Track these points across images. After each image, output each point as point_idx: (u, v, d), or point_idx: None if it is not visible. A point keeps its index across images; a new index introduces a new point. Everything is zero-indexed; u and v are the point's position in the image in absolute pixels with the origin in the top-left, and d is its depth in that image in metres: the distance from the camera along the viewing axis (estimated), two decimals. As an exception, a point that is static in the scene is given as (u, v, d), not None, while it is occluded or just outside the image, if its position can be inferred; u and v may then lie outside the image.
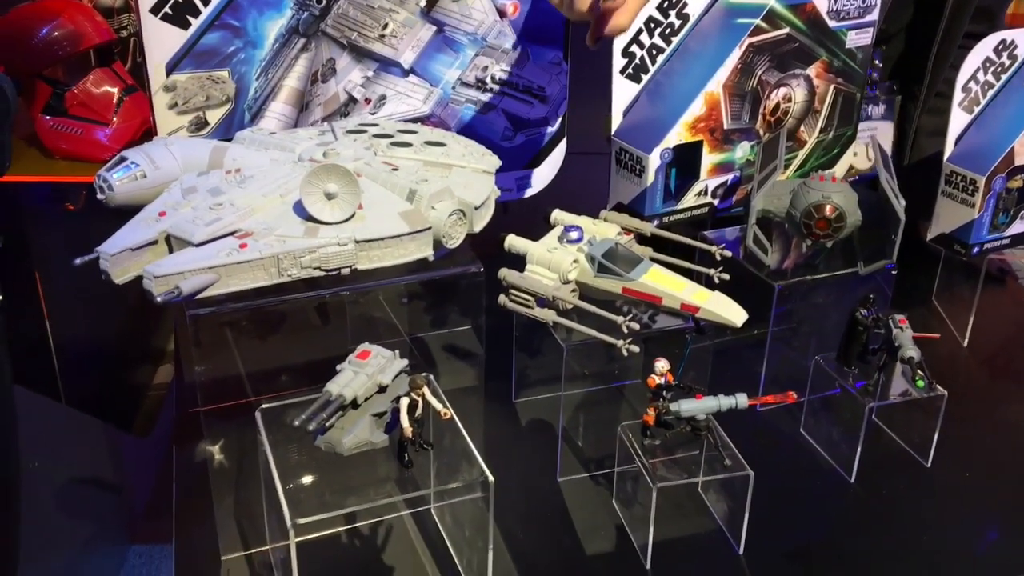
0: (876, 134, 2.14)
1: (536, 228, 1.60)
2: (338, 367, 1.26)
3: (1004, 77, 1.77)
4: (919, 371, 1.45)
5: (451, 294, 1.72)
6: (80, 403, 2.24)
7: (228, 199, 1.29)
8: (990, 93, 1.78)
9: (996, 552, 1.46)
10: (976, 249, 1.79)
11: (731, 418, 1.40)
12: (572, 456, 1.61)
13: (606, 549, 1.45)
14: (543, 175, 1.90)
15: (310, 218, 1.26)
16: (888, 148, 2.15)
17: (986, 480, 1.59)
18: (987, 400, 1.78)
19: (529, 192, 1.90)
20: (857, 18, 1.87)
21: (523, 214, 1.99)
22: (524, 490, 1.56)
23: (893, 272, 1.65)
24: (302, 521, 1.17)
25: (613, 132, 1.81)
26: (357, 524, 1.43)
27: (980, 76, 1.76)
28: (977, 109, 1.78)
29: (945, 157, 1.77)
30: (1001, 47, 1.75)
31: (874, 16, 1.88)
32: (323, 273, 1.25)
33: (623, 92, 1.79)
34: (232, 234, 1.25)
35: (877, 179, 1.66)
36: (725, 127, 1.84)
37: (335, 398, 1.20)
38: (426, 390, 1.23)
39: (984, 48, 1.74)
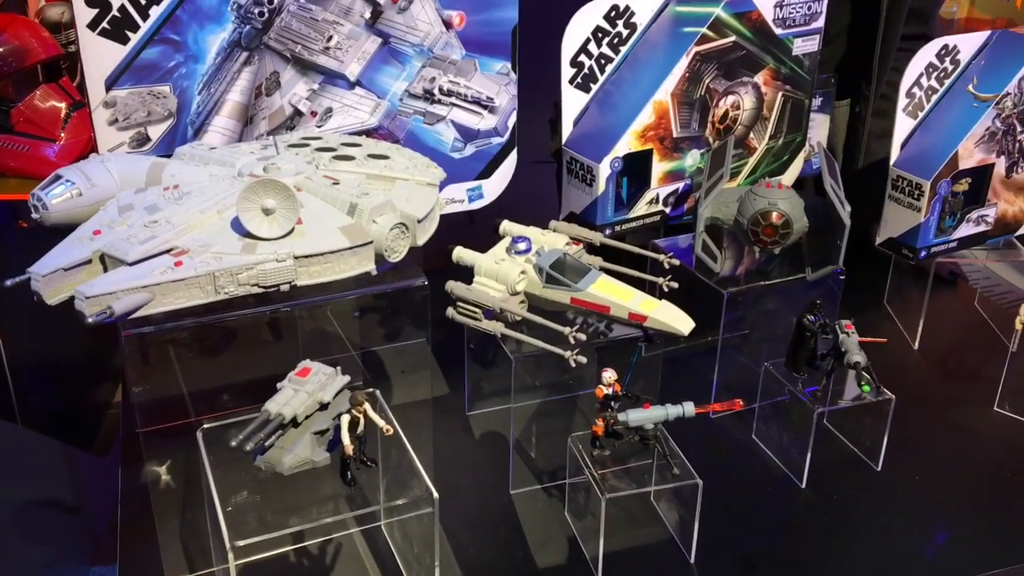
0: (813, 125, 2.16)
1: (488, 239, 1.59)
2: (278, 385, 1.24)
3: (947, 82, 1.79)
4: (865, 376, 1.46)
5: (400, 308, 1.71)
6: (37, 423, 2.19)
7: (164, 216, 1.27)
8: (934, 98, 1.79)
9: (945, 555, 1.46)
10: (923, 253, 1.81)
11: (684, 426, 1.39)
12: (525, 468, 1.60)
13: (558, 561, 1.44)
14: (494, 186, 1.89)
15: (248, 234, 1.24)
16: (823, 140, 2.17)
17: (936, 483, 1.60)
18: (937, 403, 1.80)
19: (480, 203, 1.89)
20: (803, 25, 1.88)
21: (475, 225, 1.98)
22: (476, 503, 1.55)
23: (841, 277, 1.66)
24: (241, 543, 1.15)
25: (564, 142, 1.81)
26: (305, 543, 1.41)
27: (924, 81, 1.77)
28: (921, 114, 1.79)
29: (891, 162, 1.79)
30: (944, 52, 1.77)
31: (819, 24, 1.90)
32: (261, 290, 1.23)
33: (572, 102, 1.79)
34: (168, 252, 1.23)
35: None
36: (675, 135, 1.85)
37: (274, 417, 1.18)
38: (368, 406, 1.22)
39: (927, 53, 1.76)
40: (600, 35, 1.76)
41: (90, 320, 1.15)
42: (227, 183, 1.36)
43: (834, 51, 2.11)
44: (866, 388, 1.46)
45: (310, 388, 1.22)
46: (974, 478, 1.61)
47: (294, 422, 1.20)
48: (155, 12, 1.54)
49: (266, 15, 1.61)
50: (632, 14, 1.76)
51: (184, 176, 1.39)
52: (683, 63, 1.79)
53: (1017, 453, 1.66)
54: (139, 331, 1.25)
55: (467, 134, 1.81)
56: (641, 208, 1.87)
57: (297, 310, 1.60)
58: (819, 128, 2.20)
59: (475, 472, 1.62)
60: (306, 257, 1.24)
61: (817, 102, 2.14)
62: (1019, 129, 1.83)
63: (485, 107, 1.80)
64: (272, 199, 1.23)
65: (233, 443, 1.15)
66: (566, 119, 1.80)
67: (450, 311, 1.49)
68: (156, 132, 1.61)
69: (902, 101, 1.77)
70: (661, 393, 1.52)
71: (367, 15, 1.66)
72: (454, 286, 1.47)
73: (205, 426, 1.32)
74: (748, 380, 1.68)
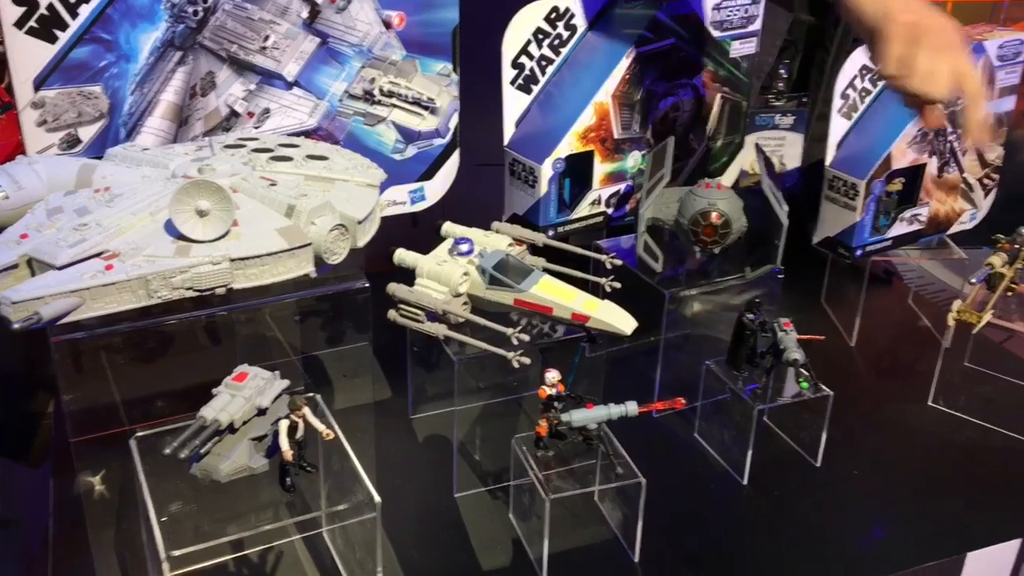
0: (783, 144, 2.19)
1: (434, 241, 1.58)
2: (214, 391, 1.22)
3: (880, 84, 1.83)
4: (803, 373, 1.48)
5: (341, 311, 1.69)
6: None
7: (95, 219, 1.24)
8: (868, 99, 1.83)
9: (883, 548, 1.49)
10: (859, 251, 1.84)
11: (628, 425, 1.40)
12: (469, 471, 1.59)
13: (502, 564, 1.43)
14: (436, 188, 1.88)
15: (181, 237, 1.22)
16: (795, 162, 2.20)
17: (873, 477, 1.62)
18: (874, 399, 1.83)
19: (423, 205, 1.88)
20: (740, 28, 1.91)
21: (419, 227, 1.97)
22: (420, 508, 1.54)
23: (779, 276, 1.69)
24: (177, 553, 1.12)
25: (505, 143, 1.81)
26: (246, 552, 1.39)
27: (857, 83, 1.81)
28: (856, 115, 1.83)
29: (827, 162, 1.82)
30: (876, 55, 1.80)
31: (756, 26, 1.93)
32: (196, 294, 1.21)
33: (514, 103, 1.79)
34: (98, 255, 1.20)
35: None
36: (616, 137, 1.86)
37: (209, 423, 1.16)
38: (307, 411, 1.20)
39: (860, 56, 1.79)
40: (541, 36, 1.76)
41: (16, 326, 1.12)
42: (160, 185, 1.33)
43: (795, 63, 2.15)
44: (804, 385, 1.48)
45: (247, 393, 1.19)
46: (910, 472, 1.65)
47: (231, 428, 1.18)
48: (84, 10, 1.50)
49: (200, 14, 1.58)
50: (572, 16, 1.77)
51: (115, 178, 1.36)
52: (623, 65, 1.81)
53: (951, 447, 1.70)
54: (69, 337, 1.21)
55: (408, 135, 1.80)
56: (584, 209, 1.88)
57: (235, 314, 1.58)
58: (791, 146, 2.21)
59: (419, 476, 1.60)
60: (242, 260, 1.22)
61: (789, 120, 2.16)
62: (950, 130, 1.87)
63: (426, 108, 1.79)
64: (206, 200, 1.21)
65: (167, 451, 1.12)
66: (507, 120, 1.79)
67: (391, 313, 1.48)
68: (87, 134, 1.57)
69: (837, 103, 1.80)
70: (605, 393, 1.53)
71: (304, 15, 1.64)
72: (395, 288, 1.46)
73: (139, 434, 1.28)
74: (691, 379, 1.69)
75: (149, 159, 1.41)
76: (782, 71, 2.17)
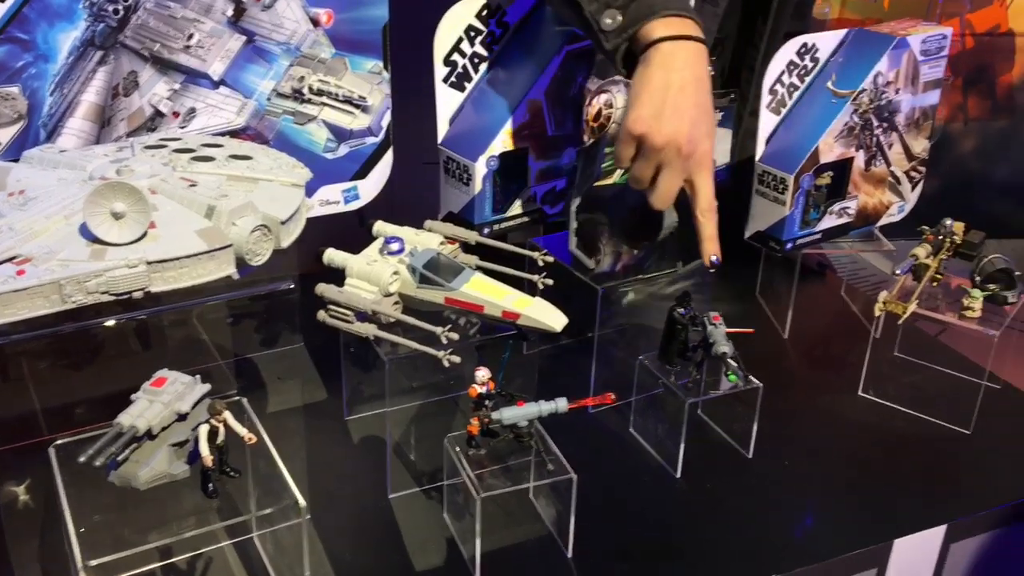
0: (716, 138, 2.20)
1: (365, 241, 1.57)
2: (132, 396, 1.19)
3: (808, 79, 1.85)
4: (732, 365, 1.49)
5: (272, 312, 1.67)
6: None
7: (7, 223, 1.21)
8: (795, 95, 1.85)
9: (814, 536, 1.51)
10: (789, 245, 1.87)
11: (564, 422, 1.40)
12: (404, 471, 1.58)
13: (435, 563, 1.43)
14: (370, 187, 1.87)
15: (96, 240, 1.19)
16: (724, 157, 2.22)
17: (804, 467, 1.65)
18: (805, 389, 1.86)
19: (356, 204, 1.86)
20: (672, 25, 1.92)
21: (353, 226, 1.95)
22: (353, 509, 1.53)
23: (711, 271, 1.70)
24: (94, 562, 1.10)
25: (440, 141, 1.80)
26: (174, 559, 1.36)
27: (785, 78, 1.83)
28: (784, 110, 1.85)
29: (757, 157, 1.84)
30: (804, 50, 1.83)
31: (688, 22, 1.93)
32: (112, 298, 1.18)
33: (447, 101, 1.78)
34: (10, 260, 1.17)
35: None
36: (549, 134, 1.86)
37: (127, 430, 1.13)
38: (227, 415, 1.18)
39: (788, 51, 1.81)
40: (473, 34, 1.75)
41: (-80, 335, 1.09)
42: (76, 187, 1.30)
43: (726, 60, 2.17)
44: (732, 377, 1.50)
45: (166, 399, 1.17)
46: (840, 461, 1.67)
47: (149, 434, 1.15)
48: (0, 9, 1.46)
49: (121, 12, 1.55)
50: (504, 13, 1.76)
51: (30, 181, 1.33)
52: (556, 62, 1.81)
53: (880, 435, 1.73)
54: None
55: (340, 134, 1.79)
56: (518, 207, 1.88)
57: (163, 317, 1.55)
58: (722, 142, 2.22)
59: (353, 477, 1.59)
60: (160, 262, 1.20)
61: (718, 116, 2.17)
62: (876, 124, 1.91)
63: (358, 106, 1.78)
64: (122, 202, 1.19)
65: (82, 458, 1.10)
66: (441, 118, 1.79)
67: (321, 314, 1.46)
68: (5, 135, 1.53)
69: (765, 98, 1.82)
70: (541, 390, 1.52)
71: (229, 13, 1.62)
72: (324, 289, 1.45)
73: (58, 442, 1.26)
74: (626, 374, 1.70)
75: (67, 161, 1.38)
76: (711, 70, 2.18)
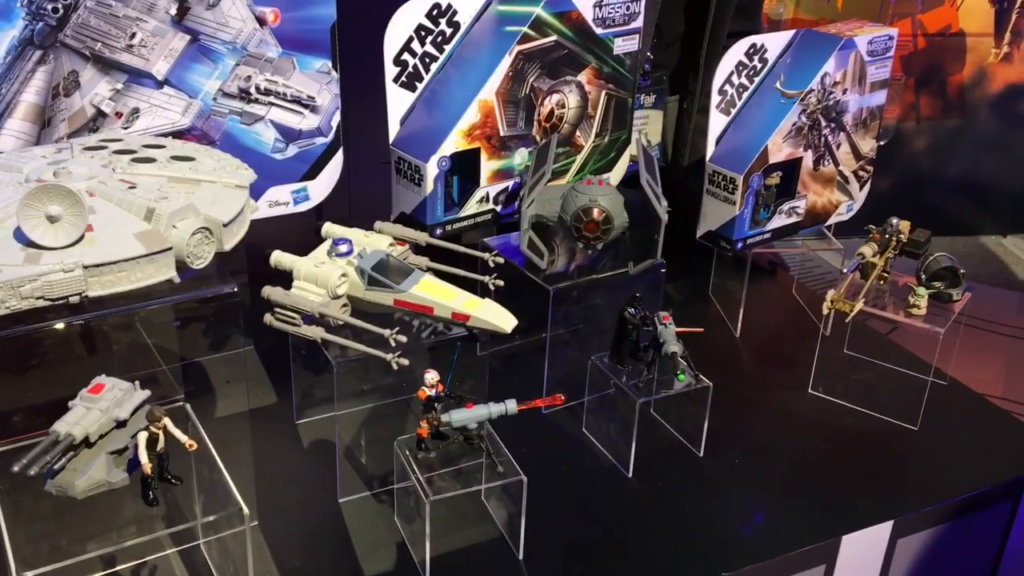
0: (647, 122, 2.23)
1: (316, 243, 1.55)
2: (70, 403, 1.17)
3: (756, 80, 1.87)
4: (681, 363, 1.50)
5: (217, 316, 1.65)
6: None
7: (-62, 227, 1.18)
8: (744, 95, 1.86)
9: (762, 533, 1.52)
10: (739, 244, 1.88)
11: (517, 423, 1.40)
12: (354, 475, 1.57)
13: (386, 568, 1.42)
14: (320, 188, 1.85)
15: (31, 244, 1.16)
16: (658, 136, 2.24)
17: (755, 464, 1.66)
18: (756, 387, 1.87)
19: (307, 205, 1.84)
20: (622, 25, 1.92)
21: (303, 228, 1.93)
22: (302, 514, 1.51)
23: (662, 270, 1.71)
24: (30, 573, 1.08)
25: (391, 141, 1.79)
26: (117, 568, 1.34)
27: (734, 79, 1.84)
28: (734, 111, 1.86)
29: (707, 157, 1.85)
30: (752, 51, 1.84)
31: (639, 24, 1.94)
32: (48, 303, 1.16)
33: (398, 101, 1.77)
34: (-60, 265, 1.14)
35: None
36: (502, 134, 1.85)
37: (63, 437, 1.11)
38: (167, 421, 1.16)
39: (736, 52, 1.82)
40: (423, 33, 1.74)
41: None
42: (12, 190, 1.27)
43: (671, 55, 2.18)
44: (681, 376, 1.50)
45: (103, 405, 1.15)
46: (789, 458, 1.69)
47: (86, 442, 1.13)
48: (-68, 7, 1.43)
49: (60, 11, 1.51)
50: (455, 12, 1.75)
51: (-36, 183, 1.29)
52: (506, 62, 1.80)
53: (830, 432, 1.75)
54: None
55: (288, 134, 1.76)
56: (472, 207, 1.87)
57: (107, 323, 1.52)
58: (653, 123, 2.28)
59: (302, 482, 1.58)
60: (97, 266, 1.17)
61: (651, 99, 2.21)
62: (823, 124, 1.93)
63: (306, 106, 1.76)
64: (57, 205, 1.16)
65: (16, 468, 1.07)
66: (392, 118, 1.77)
67: (268, 317, 1.45)
68: (-60, 137, 1.50)
69: (715, 98, 1.83)
70: (494, 391, 1.52)
71: (173, 11, 1.59)
72: (271, 291, 1.43)
73: (-8, 451, 1.23)
74: (579, 374, 1.70)
75: (3, 163, 1.35)
76: (649, 54, 2.21)
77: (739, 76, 1.84)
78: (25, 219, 1.15)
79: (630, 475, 1.60)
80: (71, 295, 1.16)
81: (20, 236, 1.17)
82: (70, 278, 1.15)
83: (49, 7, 1.50)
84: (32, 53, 1.52)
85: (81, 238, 1.18)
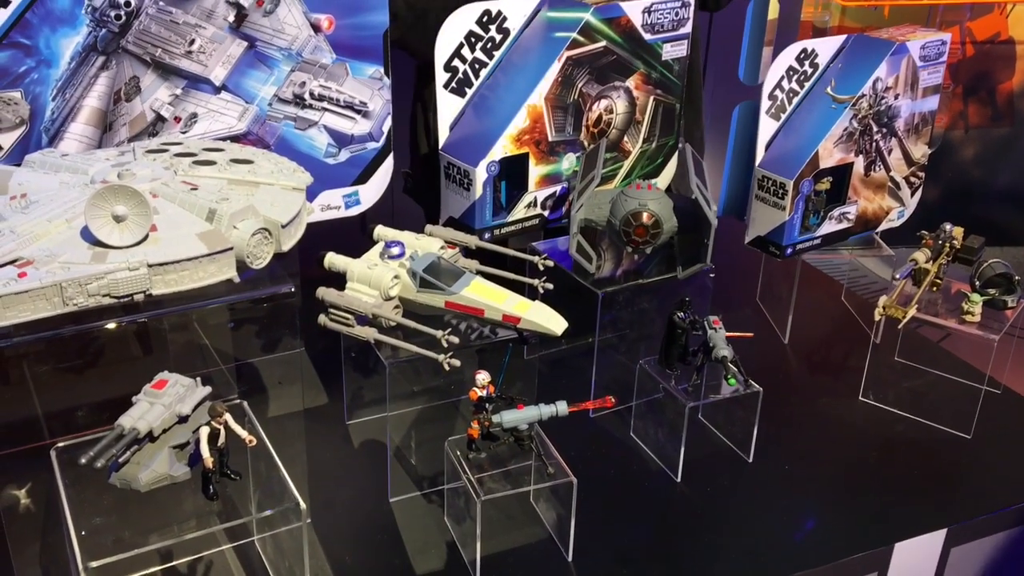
0: None
1: (367, 245, 1.57)
2: (133, 399, 1.20)
3: (807, 84, 1.86)
4: (732, 369, 1.50)
5: (273, 316, 1.67)
6: None
7: (9, 226, 1.21)
8: (795, 100, 1.86)
9: (814, 540, 1.51)
10: (789, 250, 1.87)
11: (565, 425, 1.40)
12: (404, 475, 1.59)
13: (436, 567, 1.43)
14: (371, 192, 1.87)
15: (98, 243, 1.20)
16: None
17: (804, 471, 1.65)
18: (805, 394, 1.86)
19: (358, 209, 1.87)
20: (671, 31, 1.93)
21: (354, 231, 1.96)
22: (354, 513, 1.53)
23: (711, 275, 1.70)
24: (95, 564, 1.10)
25: (440, 146, 1.81)
26: (175, 562, 1.36)
27: (785, 84, 1.83)
28: (784, 116, 1.86)
29: (756, 162, 1.84)
30: (803, 56, 1.84)
31: (687, 29, 1.95)
32: (113, 300, 1.19)
33: (448, 106, 1.79)
34: (12, 263, 1.17)
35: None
36: (550, 139, 1.86)
37: (128, 432, 1.14)
38: (228, 417, 1.18)
39: (787, 57, 1.82)
40: (473, 40, 1.76)
41: (-78, 336, 1.09)
42: (78, 191, 1.31)
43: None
44: (732, 381, 1.50)
45: (167, 401, 1.18)
46: (840, 465, 1.67)
47: (150, 436, 1.16)
48: (2, 15, 1.47)
49: (123, 18, 1.55)
50: (504, 19, 1.77)
51: (32, 184, 1.33)
52: (555, 67, 1.81)
53: (881, 440, 1.73)
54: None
55: (341, 139, 1.79)
56: (519, 211, 1.88)
57: (166, 321, 1.56)
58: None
59: (354, 481, 1.59)
60: (161, 265, 1.20)
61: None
62: (875, 129, 1.91)
63: (358, 112, 1.78)
64: (123, 205, 1.19)
65: (83, 460, 1.10)
66: (442, 124, 1.79)
67: (322, 318, 1.47)
68: (8, 140, 1.54)
69: (765, 104, 1.82)
70: (541, 394, 1.53)
71: (231, 18, 1.62)
72: (325, 292, 1.45)
73: (60, 445, 1.26)
74: (626, 378, 1.70)
75: (68, 165, 1.39)
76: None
77: (789, 81, 1.84)
78: (93, 218, 1.18)
79: (678, 479, 1.60)
80: (135, 293, 1.19)
81: (87, 235, 1.21)
82: (135, 276, 1.18)
83: (112, 14, 1.54)
84: (95, 59, 1.56)
85: (146, 237, 1.21)
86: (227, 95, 1.67)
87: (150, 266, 1.19)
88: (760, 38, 3.38)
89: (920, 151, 2.03)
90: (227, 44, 1.64)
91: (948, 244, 1.75)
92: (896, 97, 1.92)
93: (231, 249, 1.26)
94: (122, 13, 1.55)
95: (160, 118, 1.63)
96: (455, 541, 1.46)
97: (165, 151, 1.45)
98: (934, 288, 1.76)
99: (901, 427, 1.76)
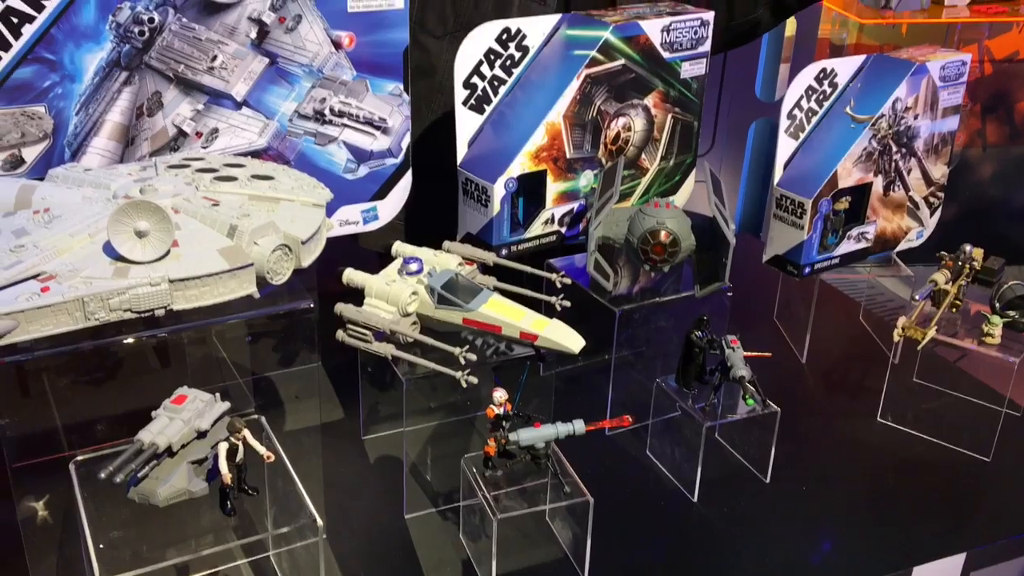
0: None
1: (384, 262, 1.58)
2: (153, 413, 1.20)
3: (826, 104, 1.86)
4: (750, 388, 1.49)
5: (291, 332, 1.68)
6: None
7: (32, 240, 1.22)
8: (814, 120, 1.86)
9: (832, 562, 1.50)
10: (807, 269, 1.86)
11: (581, 443, 1.40)
12: (420, 491, 1.58)
13: (450, 585, 1.42)
14: (389, 207, 1.88)
15: (120, 258, 1.20)
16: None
17: (822, 492, 1.64)
18: (823, 414, 1.85)
19: (376, 225, 1.87)
20: (690, 49, 1.93)
21: (366, 248, 1.97)
22: (369, 529, 1.53)
23: (729, 294, 1.70)
24: (112, 579, 1.11)
25: (459, 163, 1.81)
26: (190, 577, 1.37)
27: (804, 103, 1.83)
28: (803, 135, 1.85)
29: (775, 181, 1.84)
30: (822, 75, 1.84)
31: (706, 48, 1.95)
32: (135, 315, 1.19)
33: (467, 123, 1.79)
34: (34, 277, 1.18)
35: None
36: (568, 156, 1.87)
37: (147, 446, 1.14)
38: (247, 433, 1.19)
39: (807, 76, 1.82)
40: (493, 57, 1.77)
41: (-53, 349, 1.10)
42: (101, 206, 1.32)
43: None
44: (750, 401, 1.49)
45: (186, 416, 1.18)
46: (858, 487, 1.66)
47: (169, 451, 1.16)
48: (28, 30, 1.49)
49: (146, 34, 1.57)
50: (524, 37, 1.78)
51: (55, 199, 1.34)
52: (574, 85, 1.82)
53: (899, 462, 1.72)
54: (14, 359, 1.19)
55: (360, 155, 1.80)
56: (537, 228, 1.88)
57: (185, 336, 1.56)
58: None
59: (369, 497, 1.59)
60: (182, 280, 1.21)
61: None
62: (894, 149, 1.90)
63: (378, 128, 1.79)
64: (145, 221, 1.20)
65: (102, 474, 1.11)
66: (460, 140, 1.80)
67: (340, 334, 1.47)
68: (31, 154, 1.55)
69: (784, 123, 1.82)
70: (557, 411, 1.53)
71: (253, 35, 1.64)
72: (343, 308, 1.46)
73: (79, 458, 1.26)
74: (643, 396, 1.70)
75: (91, 179, 1.40)
76: None
77: (808, 100, 1.84)
78: (115, 234, 1.19)
79: (695, 499, 1.59)
80: (157, 308, 1.20)
81: (110, 250, 1.22)
82: (156, 291, 1.19)
83: (136, 30, 1.56)
84: (118, 74, 1.58)
85: (167, 253, 1.22)
86: (248, 111, 1.68)
87: (171, 281, 1.20)
88: (777, 55, 3.38)
89: (939, 171, 2.03)
90: (249, 60, 1.65)
91: (968, 265, 1.74)
92: (916, 117, 1.91)
93: (251, 265, 1.27)
94: (146, 29, 1.56)
95: (182, 133, 1.64)
96: (470, 559, 1.46)
97: (187, 166, 1.46)
98: (953, 309, 1.75)
99: (920, 449, 1.75)
